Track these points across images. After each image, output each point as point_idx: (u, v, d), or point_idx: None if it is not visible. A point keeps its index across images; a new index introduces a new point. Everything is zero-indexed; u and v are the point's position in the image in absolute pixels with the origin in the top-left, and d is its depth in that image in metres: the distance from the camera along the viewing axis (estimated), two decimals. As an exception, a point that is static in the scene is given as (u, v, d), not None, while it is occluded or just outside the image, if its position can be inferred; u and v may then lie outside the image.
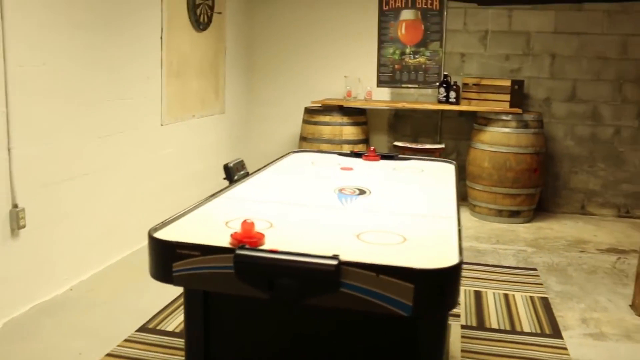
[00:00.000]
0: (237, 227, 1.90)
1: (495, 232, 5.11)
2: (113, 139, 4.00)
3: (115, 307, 3.39)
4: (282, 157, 3.45)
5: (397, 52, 5.99)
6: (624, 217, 5.73)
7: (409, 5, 5.91)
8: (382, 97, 6.06)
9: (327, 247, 1.80)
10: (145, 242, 4.28)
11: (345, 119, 5.64)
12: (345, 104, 5.75)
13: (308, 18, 6.13)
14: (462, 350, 2.97)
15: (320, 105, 5.82)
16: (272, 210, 2.25)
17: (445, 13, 5.83)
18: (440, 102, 5.69)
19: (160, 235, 1.86)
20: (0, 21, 3.00)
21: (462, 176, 5.41)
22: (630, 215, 5.72)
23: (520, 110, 5.30)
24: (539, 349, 3.00)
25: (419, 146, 5.39)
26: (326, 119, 5.64)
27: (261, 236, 1.84)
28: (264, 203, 2.39)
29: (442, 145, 5.52)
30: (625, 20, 5.47)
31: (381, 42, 6.02)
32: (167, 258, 1.78)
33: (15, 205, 3.17)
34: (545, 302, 3.60)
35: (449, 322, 2.96)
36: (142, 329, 3.10)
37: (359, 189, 2.64)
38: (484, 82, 5.46)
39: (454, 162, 3.42)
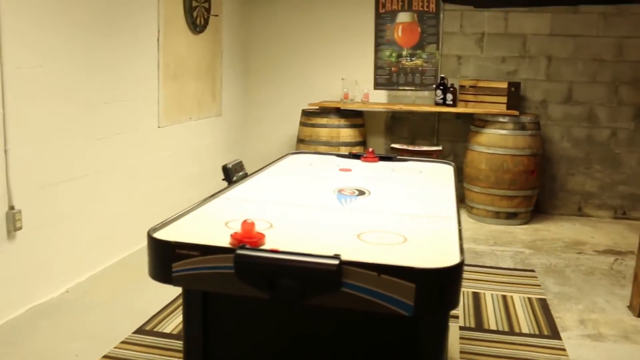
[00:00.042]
0: (236, 228, 1.89)
1: (492, 233, 5.11)
2: (110, 140, 3.98)
3: (112, 309, 3.37)
4: (280, 158, 3.45)
5: (394, 54, 6.00)
6: (621, 218, 5.74)
7: (406, 7, 5.92)
8: (379, 99, 6.06)
9: (328, 247, 1.79)
10: (142, 244, 4.30)
11: (342, 121, 5.64)
12: (343, 106, 5.75)
13: (305, 20, 6.14)
14: (461, 352, 2.97)
15: (317, 107, 5.82)
16: (272, 211, 2.24)
17: (441, 15, 5.84)
18: (437, 104, 5.70)
19: (160, 235, 1.85)
20: (-3, 22, 2.99)
21: (459, 178, 5.40)
22: (626, 216, 5.73)
23: (517, 112, 5.31)
24: (538, 350, 3.00)
25: (416, 148, 5.39)
26: (323, 121, 5.63)
27: (261, 236, 1.83)
28: (263, 204, 2.38)
29: (440, 148, 5.52)
30: (620, 22, 5.49)
31: (378, 45, 6.03)
32: (166, 258, 1.77)
33: (11, 207, 3.15)
34: (543, 303, 3.60)
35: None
36: (140, 330, 3.09)
37: (358, 190, 2.64)
38: (481, 84, 5.47)
39: (453, 163, 3.43)
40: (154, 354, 2.85)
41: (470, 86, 5.52)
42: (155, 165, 4.58)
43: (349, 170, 3.15)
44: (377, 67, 6.05)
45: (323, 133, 5.61)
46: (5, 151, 3.09)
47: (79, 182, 3.69)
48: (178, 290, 3.39)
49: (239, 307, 1.99)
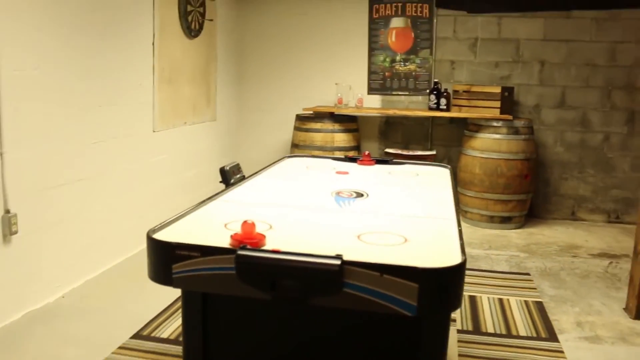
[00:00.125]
0: (236, 229, 1.88)
1: (487, 237, 5.12)
2: (106, 144, 3.97)
3: (108, 314, 3.34)
4: (276, 161, 3.44)
5: (388, 59, 6.02)
6: (614, 222, 5.77)
7: (399, 13, 5.94)
8: (373, 104, 6.07)
9: (328, 248, 1.79)
10: (138, 248, 4.29)
11: (336, 126, 5.65)
12: (337, 111, 5.75)
13: (299, 26, 6.15)
14: (459, 355, 2.97)
15: (311, 112, 5.82)
16: (271, 213, 2.24)
17: (435, 21, 5.86)
18: (430, 109, 5.71)
19: (159, 236, 1.83)
20: (-8, 25, 2.98)
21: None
22: (620, 220, 5.76)
23: (510, 117, 5.33)
24: (536, 353, 3.00)
25: (410, 153, 5.40)
26: (317, 126, 5.64)
27: (262, 237, 1.83)
28: (262, 205, 2.38)
29: (434, 152, 5.54)
30: (613, 27, 5.54)
31: (371, 50, 6.05)
32: (166, 260, 1.76)
33: (7, 211, 3.13)
34: (539, 306, 3.60)
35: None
36: (136, 336, 3.06)
37: (356, 192, 2.64)
38: (474, 89, 5.49)
39: (449, 166, 3.44)
40: (151, 359, 2.83)
41: (464, 91, 5.55)
42: (150, 170, 4.56)
43: (346, 173, 3.15)
44: (370, 72, 6.07)
45: (317, 138, 5.62)
46: (1, 154, 3.07)
47: (75, 186, 3.67)
48: (175, 294, 3.37)
49: (238, 309, 1.97)
